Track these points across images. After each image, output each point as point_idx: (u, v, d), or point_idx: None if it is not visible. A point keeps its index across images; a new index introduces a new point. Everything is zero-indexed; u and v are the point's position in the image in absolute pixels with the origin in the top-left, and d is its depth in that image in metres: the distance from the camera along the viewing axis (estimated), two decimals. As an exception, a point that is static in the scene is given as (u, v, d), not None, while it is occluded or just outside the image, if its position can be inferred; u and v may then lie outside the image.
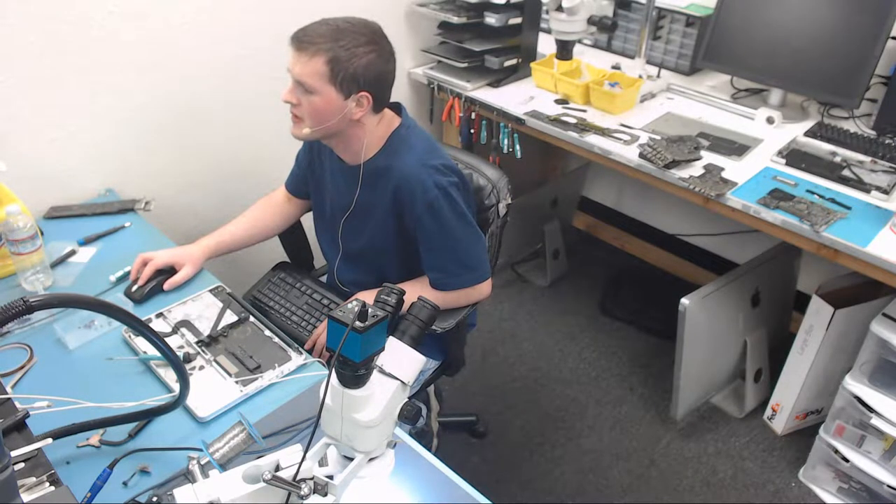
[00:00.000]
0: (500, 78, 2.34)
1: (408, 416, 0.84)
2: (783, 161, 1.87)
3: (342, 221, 1.55)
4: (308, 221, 1.78)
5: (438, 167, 1.42)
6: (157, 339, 0.91)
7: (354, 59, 1.30)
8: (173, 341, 1.33)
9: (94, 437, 1.10)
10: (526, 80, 2.38)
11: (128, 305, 1.43)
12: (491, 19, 2.21)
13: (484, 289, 1.52)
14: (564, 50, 2.13)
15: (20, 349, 1.30)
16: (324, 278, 1.77)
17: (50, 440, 0.97)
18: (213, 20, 1.88)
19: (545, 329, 2.64)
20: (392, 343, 0.85)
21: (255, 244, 1.69)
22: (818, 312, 1.96)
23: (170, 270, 1.48)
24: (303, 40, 1.31)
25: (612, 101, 2.13)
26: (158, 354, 1.02)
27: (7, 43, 1.55)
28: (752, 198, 1.72)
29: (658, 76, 2.33)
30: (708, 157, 1.90)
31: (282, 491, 0.80)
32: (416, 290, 1.17)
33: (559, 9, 2.02)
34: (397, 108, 1.49)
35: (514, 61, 2.33)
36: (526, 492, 2.02)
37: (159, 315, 1.40)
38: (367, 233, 1.52)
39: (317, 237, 1.72)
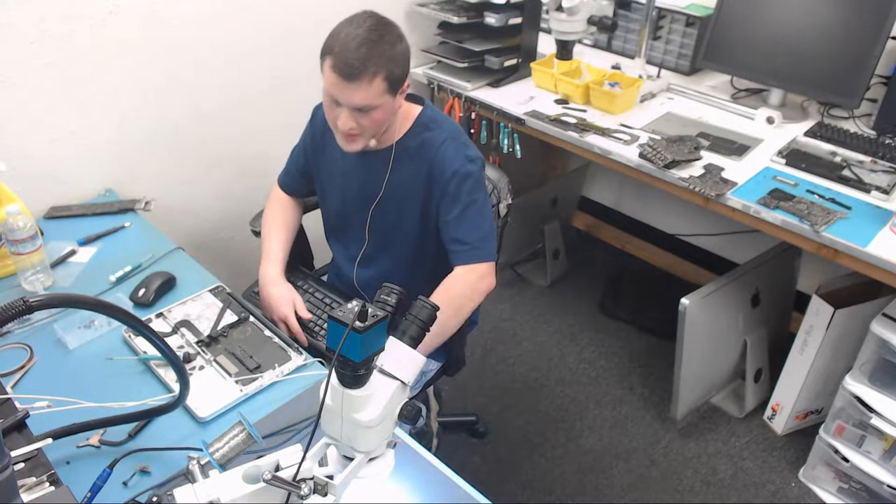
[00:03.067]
0: (500, 78, 2.34)
1: (408, 416, 0.84)
2: (783, 161, 1.87)
3: (371, 209, 1.53)
4: (308, 221, 1.78)
5: (469, 145, 1.47)
6: (157, 339, 0.91)
7: (397, 60, 1.32)
8: (173, 341, 1.33)
9: (94, 437, 1.10)
10: (526, 80, 2.38)
11: (128, 305, 1.43)
12: (491, 19, 2.21)
13: (491, 278, 1.47)
14: (564, 50, 2.13)
15: (20, 349, 1.30)
16: (324, 278, 1.77)
17: (50, 440, 0.97)
18: (214, 20, 1.89)
19: (545, 329, 2.64)
20: (392, 343, 0.85)
21: None
22: (818, 312, 1.96)
23: (170, 279, 1.49)
24: (354, 71, 1.27)
25: (612, 101, 2.13)
26: (158, 354, 1.02)
27: (7, 43, 1.55)
28: (752, 198, 1.72)
29: (658, 76, 2.33)
30: (708, 157, 1.90)
31: (282, 491, 0.80)
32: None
33: (559, 9, 2.02)
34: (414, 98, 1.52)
35: (514, 61, 2.33)
36: (526, 492, 2.02)
37: (159, 315, 1.40)
38: (395, 215, 1.52)
39: (327, 236, 1.71)
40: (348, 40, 1.27)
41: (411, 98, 1.50)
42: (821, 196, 1.73)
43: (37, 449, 0.93)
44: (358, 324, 0.73)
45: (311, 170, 1.64)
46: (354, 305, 0.74)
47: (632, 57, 2.43)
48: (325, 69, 1.30)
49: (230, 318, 1.39)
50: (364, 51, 1.26)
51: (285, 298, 1.52)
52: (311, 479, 0.81)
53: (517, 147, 2.27)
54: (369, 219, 1.55)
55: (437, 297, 1.41)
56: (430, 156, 1.44)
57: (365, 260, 1.61)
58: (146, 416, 1.12)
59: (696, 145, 1.92)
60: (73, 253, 1.58)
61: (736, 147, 1.95)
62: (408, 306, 0.89)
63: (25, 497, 0.84)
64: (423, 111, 1.48)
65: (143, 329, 0.90)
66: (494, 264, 1.48)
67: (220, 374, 1.26)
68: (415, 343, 0.87)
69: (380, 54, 1.28)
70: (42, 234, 1.52)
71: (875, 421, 1.75)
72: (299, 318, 1.52)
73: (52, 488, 0.86)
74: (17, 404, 1.04)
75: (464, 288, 1.44)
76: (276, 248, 1.61)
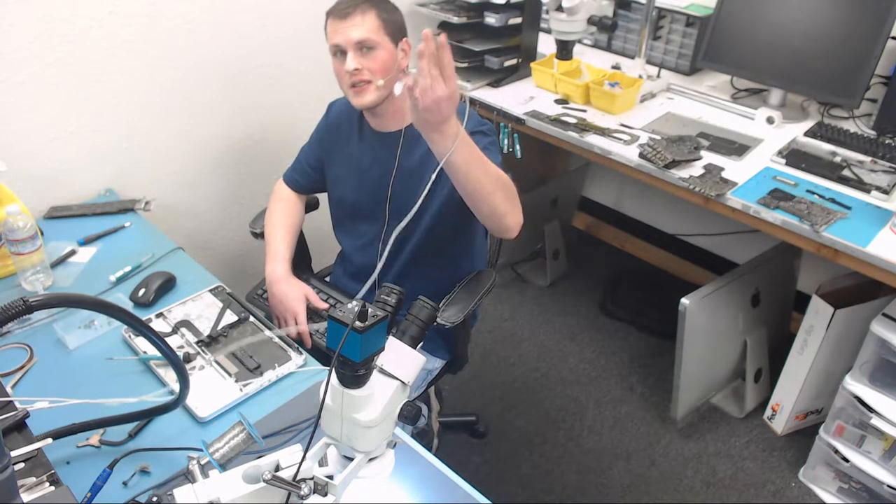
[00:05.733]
0: (500, 78, 2.34)
1: (408, 416, 0.84)
2: (783, 161, 1.87)
3: (391, 185, 1.53)
4: (306, 224, 1.78)
5: (482, 117, 1.52)
6: (157, 339, 0.91)
7: (391, 10, 1.43)
8: (173, 341, 1.33)
9: (94, 437, 1.11)
10: (526, 80, 2.38)
11: (128, 305, 1.43)
12: (491, 19, 2.21)
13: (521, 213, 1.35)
14: (564, 50, 2.13)
15: (20, 349, 1.30)
16: (326, 279, 1.77)
17: (50, 440, 0.97)
18: (214, 20, 1.89)
19: (545, 329, 2.64)
20: (392, 343, 0.85)
21: None
22: (818, 312, 1.96)
23: (170, 279, 1.49)
24: (346, 7, 1.39)
25: (612, 101, 2.13)
26: (158, 354, 1.02)
27: (7, 43, 1.55)
28: (752, 198, 1.72)
29: (658, 76, 2.32)
30: (708, 157, 1.90)
31: (282, 491, 0.80)
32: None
33: (559, 9, 2.01)
34: None
35: (514, 61, 2.33)
36: (526, 492, 2.02)
37: (159, 315, 1.40)
38: (411, 192, 1.50)
39: (336, 229, 1.70)
40: None
41: None
42: (821, 196, 1.73)
43: (37, 449, 0.93)
44: (358, 324, 0.73)
45: (325, 161, 1.64)
46: (354, 305, 0.74)
47: (632, 57, 2.43)
48: (327, 27, 1.42)
49: (230, 318, 1.39)
50: None
51: (296, 294, 1.54)
52: (311, 479, 0.81)
53: (517, 147, 2.27)
54: (389, 196, 1.55)
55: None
56: None
57: (385, 241, 1.59)
58: (146, 416, 1.12)
59: (696, 145, 1.92)
60: (73, 253, 1.58)
61: (736, 147, 1.95)
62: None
63: (25, 497, 0.84)
64: None
65: (143, 329, 0.90)
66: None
67: (220, 374, 1.26)
68: (415, 343, 0.87)
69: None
70: (42, 234, 1.52)
71: (875, 421, 1.75)
72: (314, 311, 1.54)
73: (52, 488, 0.86)
74: (17, 404, 1.04)
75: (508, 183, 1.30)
76: (281, 247, 1.62)
